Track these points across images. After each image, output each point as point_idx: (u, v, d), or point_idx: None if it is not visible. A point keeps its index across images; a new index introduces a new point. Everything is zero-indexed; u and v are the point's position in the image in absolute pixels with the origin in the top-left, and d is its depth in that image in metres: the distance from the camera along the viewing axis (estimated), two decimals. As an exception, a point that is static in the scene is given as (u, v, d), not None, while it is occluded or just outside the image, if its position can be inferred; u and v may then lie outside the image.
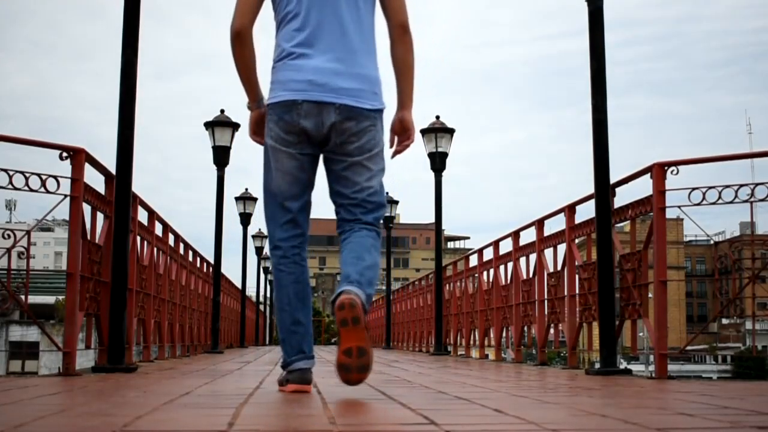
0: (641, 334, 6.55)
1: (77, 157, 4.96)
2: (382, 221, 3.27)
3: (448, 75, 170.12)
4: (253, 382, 4.03)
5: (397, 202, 19.05)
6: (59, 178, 4.82)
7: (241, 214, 18.67)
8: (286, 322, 3.18)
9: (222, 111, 11.93)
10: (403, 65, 3.22)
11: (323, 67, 3.08)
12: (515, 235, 8.74)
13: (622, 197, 5.85)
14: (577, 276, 6.76)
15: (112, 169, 5.35)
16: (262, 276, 30.60)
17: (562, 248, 7.25)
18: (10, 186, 4.56)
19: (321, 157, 3.22)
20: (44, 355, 29.87)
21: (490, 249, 9.73)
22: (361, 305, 2.85)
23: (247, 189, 18.79)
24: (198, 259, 11.58)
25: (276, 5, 3.22)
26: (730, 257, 5.12)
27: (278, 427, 2.14)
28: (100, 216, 5.57)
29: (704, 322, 64.06)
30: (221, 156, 11.77)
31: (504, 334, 9.22)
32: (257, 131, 3.30)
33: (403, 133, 3.27)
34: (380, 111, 3.18)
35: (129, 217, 5.37)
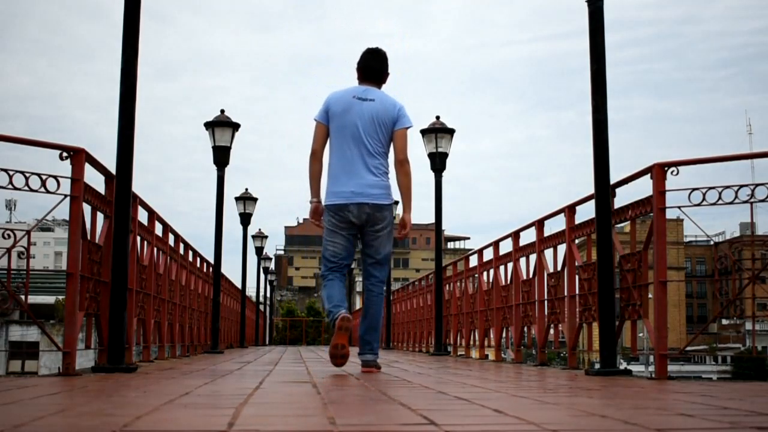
0: (641, 334, 6.56)
1: (77, 157, 4.96)
2: (387, 275, 5.47)
3: (448, 75, 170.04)
4: (253, 382, 4.03)
5: (397, 203, 18.97)
6: (59, 178, 4.81)
7: (241, 214, 18.61)
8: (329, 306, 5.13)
9: (222, 111, 11.90)
10: (403, 187, 5.26)
11: (359, 182, 5.10)
12: (515, 235, 8.74)
13: (622, 198, 5.86)
14: (577, 276, 6.76)
15: (112, 169, 5.35)
16: (262, 276, 30.58)
17: (562, 249, 7.25)
18: (10, 186, 4.56)
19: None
20: (44, 355, 29.87)
21: (490, 249, 9.73)
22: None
23: (247, 189, 18.73)
24: (198, 259, 11.58)
25: (330, 138, 5.21)
26: (730, 258, 5.12)
27: (278, 427, 2.14)
28: (100, 216, 5.57)
29: (704, 323, 63.97)
30: (221, 156, 11.75)
31: (504, 335, 9.22)
32: (316, 218, 5.30)
33: (403, 227, 5.35)
34: (392, 204, 5.28)
35: (129, 217, 5.37)
